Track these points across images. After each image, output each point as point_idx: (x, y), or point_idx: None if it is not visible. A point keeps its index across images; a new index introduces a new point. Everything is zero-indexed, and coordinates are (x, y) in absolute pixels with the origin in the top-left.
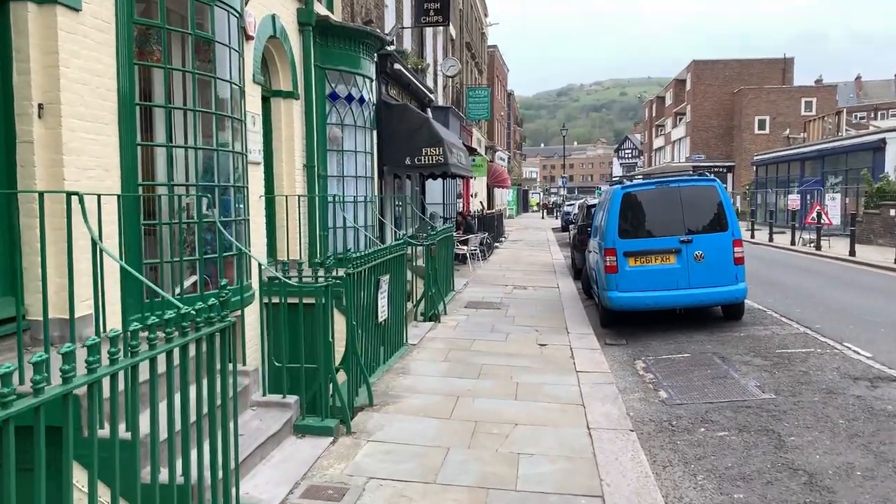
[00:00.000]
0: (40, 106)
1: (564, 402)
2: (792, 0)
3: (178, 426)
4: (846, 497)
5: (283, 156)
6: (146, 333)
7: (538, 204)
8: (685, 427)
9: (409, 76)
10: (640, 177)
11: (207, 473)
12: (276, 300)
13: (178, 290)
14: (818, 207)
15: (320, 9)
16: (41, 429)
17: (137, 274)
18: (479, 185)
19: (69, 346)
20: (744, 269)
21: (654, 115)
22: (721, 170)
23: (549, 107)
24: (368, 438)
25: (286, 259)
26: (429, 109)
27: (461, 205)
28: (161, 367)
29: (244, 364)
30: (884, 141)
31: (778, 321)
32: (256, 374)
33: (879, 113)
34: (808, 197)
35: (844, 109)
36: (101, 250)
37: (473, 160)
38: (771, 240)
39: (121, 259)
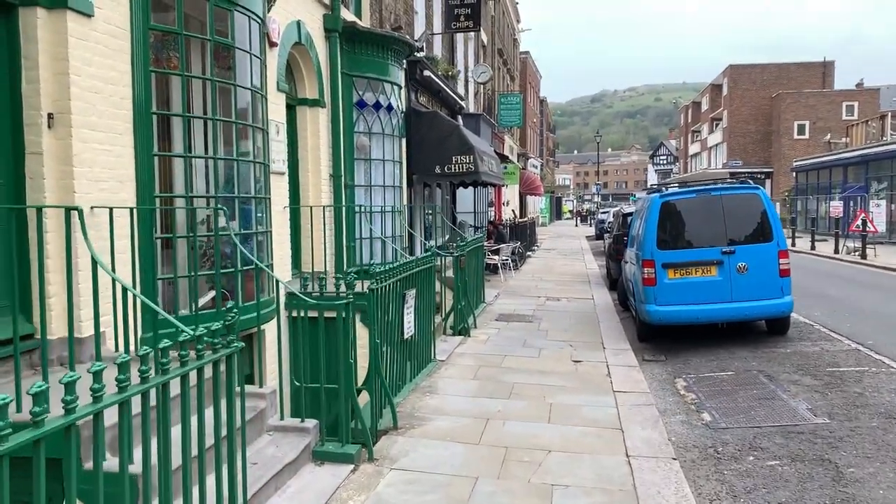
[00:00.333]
0: (50, 115)
1: (601, 425)
2: (832, 1)
3: (178, 461)
4: None
5: (308, 165)
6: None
7: (571, 211)
8: (732, 455)
9: (440, 83)
10: (675, 184)
11: None
12: (295, 314)
13: (194, 307)
14: (863, 214)
15: (347, 15)
16: (41, 462)
17: (138, 294)
18: (511, 193)
19: (72, 376)
20: (790, 282)
21: (689, 120)
22: (759, 176)
23: (583, 113)
24: (392, 466)
25: (311, 270)
26: (459, 117)
27: (493, 213)
28: (153, 400)
29: (261, 386)
30: None
31: (827, 336)
32: (274, 397)
33: None
34: (852, 203)
35: (889, 113)
36: (100, 267)
37: (505, 168)
38: (813, 248)
39: (133, 274)
